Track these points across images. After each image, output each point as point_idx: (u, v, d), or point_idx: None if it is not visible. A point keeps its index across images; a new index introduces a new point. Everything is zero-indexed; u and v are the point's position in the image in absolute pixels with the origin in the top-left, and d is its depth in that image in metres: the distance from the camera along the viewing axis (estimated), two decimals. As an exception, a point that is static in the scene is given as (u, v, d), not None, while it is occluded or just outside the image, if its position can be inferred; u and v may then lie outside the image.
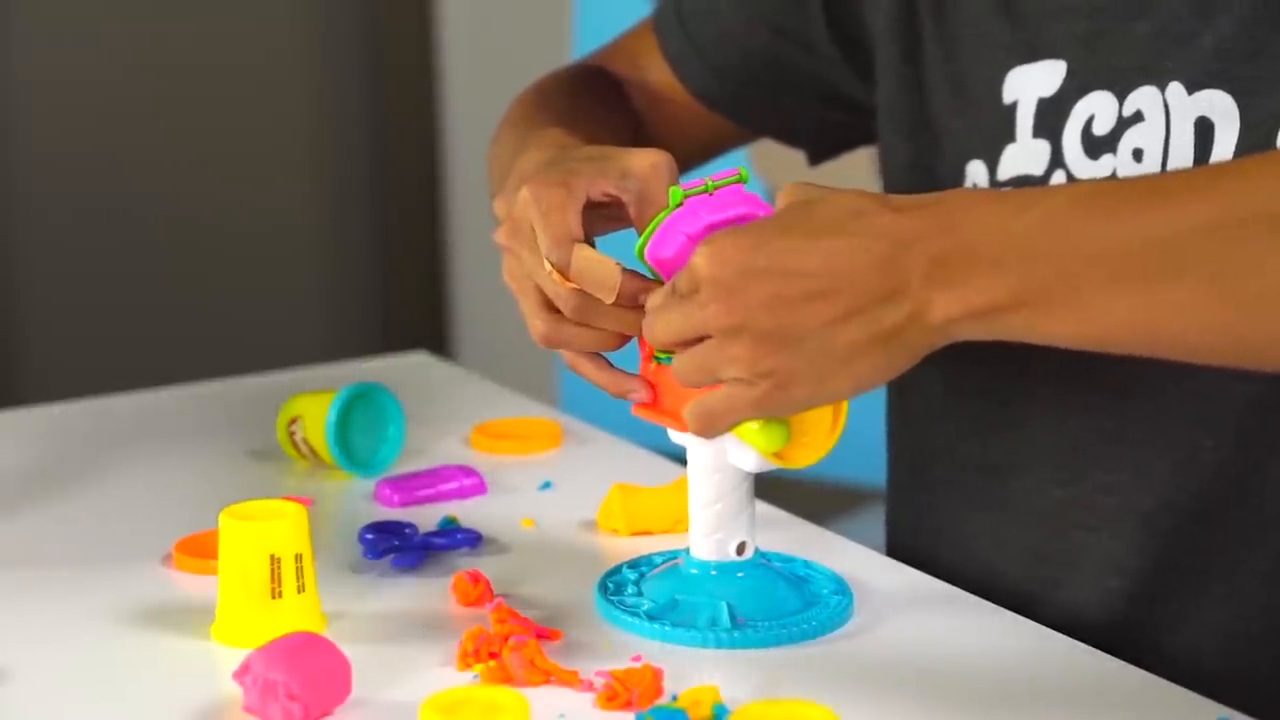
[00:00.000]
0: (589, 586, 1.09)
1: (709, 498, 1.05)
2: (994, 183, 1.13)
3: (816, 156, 1.36)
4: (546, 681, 0.98)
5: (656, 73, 1.35)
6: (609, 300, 1.02)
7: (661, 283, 1.01)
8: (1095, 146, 1.09)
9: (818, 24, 1.26)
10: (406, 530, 1.18)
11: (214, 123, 2.95)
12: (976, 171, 1.14)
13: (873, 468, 1.40)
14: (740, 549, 1.06)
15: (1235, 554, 1.06)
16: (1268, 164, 0.91)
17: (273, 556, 1.03)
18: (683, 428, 1.00)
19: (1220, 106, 1.03)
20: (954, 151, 1.16)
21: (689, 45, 1.32)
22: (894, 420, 1.25)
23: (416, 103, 3.07)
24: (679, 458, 1.13)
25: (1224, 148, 1.03)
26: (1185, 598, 1.07)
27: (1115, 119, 1.08)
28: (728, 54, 1.31)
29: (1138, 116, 1.07)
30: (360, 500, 1.27)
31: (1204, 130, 1.04)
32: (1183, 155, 1.04)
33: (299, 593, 1.04)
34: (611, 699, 0.95)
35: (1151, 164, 1.06)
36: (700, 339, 0.96)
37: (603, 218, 1.07)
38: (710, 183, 1.02)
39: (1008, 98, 1.13)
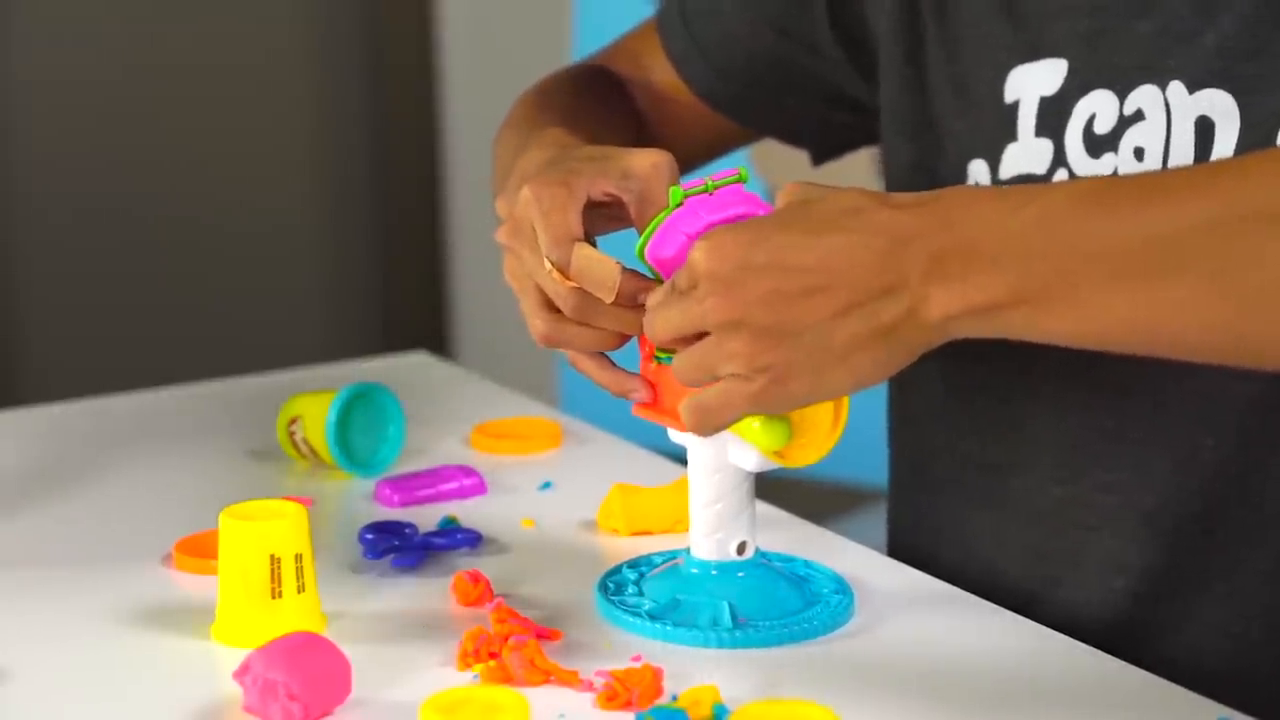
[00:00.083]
0: (589, 586, 1.09)
1: (710, 497, 1.05)
2: (996, 182, 1.13)
3: (820, 157, 1.36)
4: (546, 681, 0.98)
5: (660, 73, 1.35)
6: (609, 299, 1.02)
7: (661, 283, 1.01)
8: (1097, 145, 1.09)
9: (821, 25, 1.26)
10: (406, 530, 1.18)
11: (214, 123, 2.95)
12: (979, 171, 1.14)
13: (873, 467, 1.41)
14: (741, 549, 1.06)
15: (1236, 553, 1.06)
16: (1268, 161, 0.91)
17: (273, 556, 1.03)
18: (683, 427, 1.00)
19: (1221, 106, 1.03)
20: (956, 152, 1.16)
21: (693, 46, 1.32)
22: (894, 419, 1.25)
23: (416, 103, 3.07)
24: (679, 458, 1.13)
25: (1224, 147, 1.03)
26: (1187, 597, 1.07)
27: (1116, 118, 1.08)
28: (731, 55, 1.31)
29: (1139, 115, 1.07)
30: (360, 500, 1.27)
31: (1204, 129, 1.04)
32: (1183, 154, 1.04)
33: (299, 593, 1.04)
34: (611, 699, 0.95)
35: (1153, 163, 1.06)
36: (700, 336, 0.96)
37: (603, 217, 1.07)
38: (710, 182, 1.02)
39: (1009, 97, 1.13)
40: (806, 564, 1.11)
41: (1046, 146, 1.11)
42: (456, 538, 1.17)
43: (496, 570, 1.12)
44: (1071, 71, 1.10)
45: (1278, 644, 1.06)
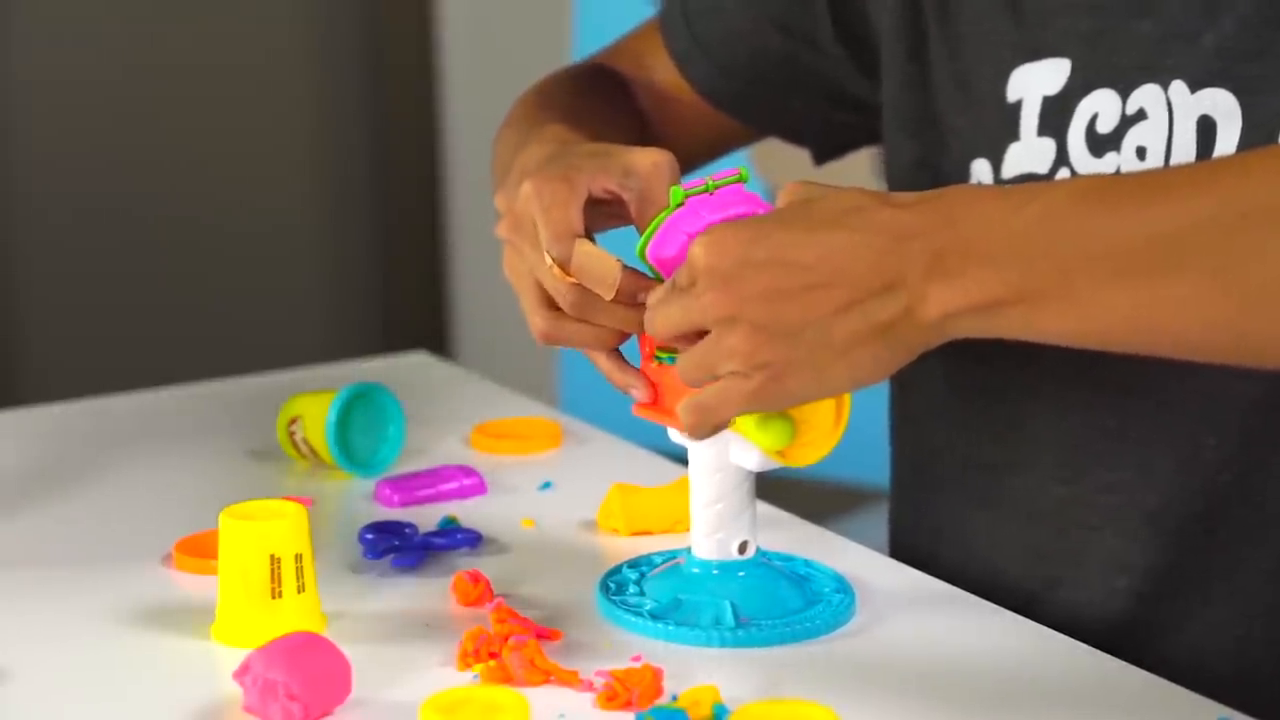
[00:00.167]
0: (589, 586, 1.09)
1: (711, 497, 1.05)
2: (999, 181, 1.13)
3: (822, 156, 1.36)
4: (546, 681, 0.98)
5: (662, 72, 1.35)
6: (608, 296, 1.02)
7: (662, 282, 1.01)
8: (1099, 145, 1.08)
9: (823, 22, 1.26)
10: (406, 530, 1.17)
11: (214, 123, 2.95)
12: (981, 170, 1.14)
13: (874, 468, 1.41)
14: (742, 548, 1.06)
15: (1239, 552, 1.06)
16: (1269, 158, 0.90)
17: (273, 556, 1.03)
18: (684, 428, 1.00)
19: (1223, 105, 1.03)
20: (959, 150, 1.16)
21: (695, 44, 1.32)
22: (896, 418, 1.25)
23: (416, 103, 3.07)
24: (679, 458, 1.13)
25: (1227, 146, 1.02)
26: (1190, 597, 1.07)
27: (1119, 117, 1.08)
28: (734, 52, 1.31)
29: (1141, 115, 1.07)
30: (360, 500, 1.27)
31: (1206, 129, 1.03)
32: (1186, 154, 1.04)
33: (299, 593, 1.04)
34: (611, 699, 0.95)
35: (1155, 162, 1.05)
36: (700, 334, 0.96)
37: (603, 214, 1.07)
38: (711, 182, 1.02)
39: (1012, 96, 1.13)
40: (807, 563, 1.11)
41: (1049, 146, 1.11)
42: (456, 538, 1.17)
43: (496, 570, 1.12)
44: (1074, 71, 1.10)
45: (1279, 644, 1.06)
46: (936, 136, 1.18)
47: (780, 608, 1.05)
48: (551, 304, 1.06)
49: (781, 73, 1.30)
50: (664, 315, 0.97)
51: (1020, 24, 1.13)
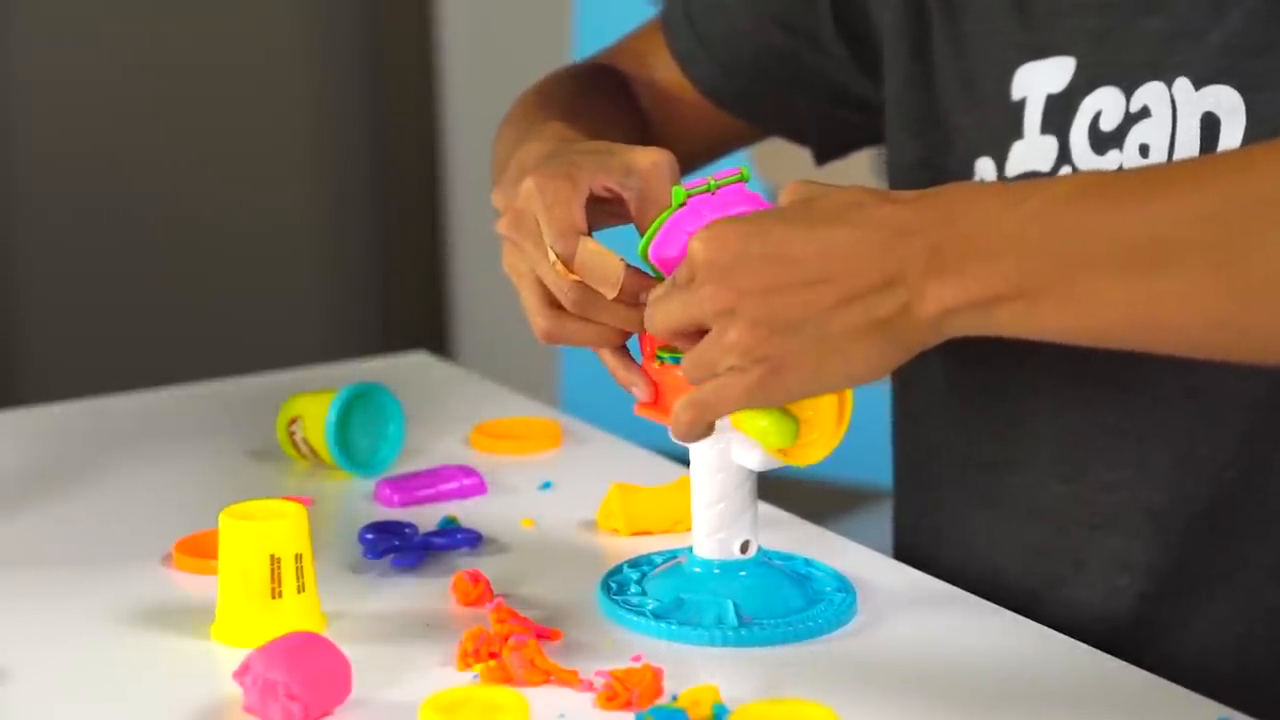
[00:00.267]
0: (589, 586, 1.09)
1: (712, 497, 1.05)
2: (1002, 179, 1.13)
3: (823, 155, 1.36)
4: (546, 681, 0.98)
5: (664, 71, 1.34)
6: (611, 295, 1.02)
7: (663, 281, 1.01)
8: (1102, 142, 1.08)
9: (825, 20, 1.25)
10: (406, 530, 1.17)
11: (214, 123, 2.95)
12: (985, 168, 1.14)
13: (875, 467, 1.40)
14: (744, 548, 1.06)
15: (1241, 550, 1.06)
16: (1272, 152, 0.90)
17: (273, 556, 1.03)
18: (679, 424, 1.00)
19: (1227, 102, 1.03)
20: (964, 148, 1.16)
21: (698, 43, 1.32)
22: (897, 417, 1.25)
23: (416, 103, 3.07)
24: (679, 458, 1.13)
25: (1230, 143, 1.02)
26: (1193, 595, 1.07)
27: (1122, 115, 1.08)
28: (737, 51, 1.31)
29: (1144, 112, 1.06)
30: (360, 500, 1.27)
31: (1210, 126, 1.03)
32: (1189, 150, 1.04)
33: (299, 593, 1.04)
34: (611, 699, 0.95)
35: (1158, 159, 1.05)
36: (701, 331, 0.95)
37: (603, 212, 1.07)
38: (713, 182, 1.02)
39: (1016, 94, 1.13)
40: (808, 563, 1.11)
41: (1051, 143, 1.11)
42: (456, 538, 1.17)
43: (496, 570, 1.12)
44: (1079, 69, 1.10)
45: (1280, 643, 1.06)
46: (941, 135, 1.18)
47: (782, 607, 1.05)
48: (553, 302, 1.06)
49: (784, 72, 1.30)
50: (664, 311, 0.97)
51: (1026, 24, 1.13)
